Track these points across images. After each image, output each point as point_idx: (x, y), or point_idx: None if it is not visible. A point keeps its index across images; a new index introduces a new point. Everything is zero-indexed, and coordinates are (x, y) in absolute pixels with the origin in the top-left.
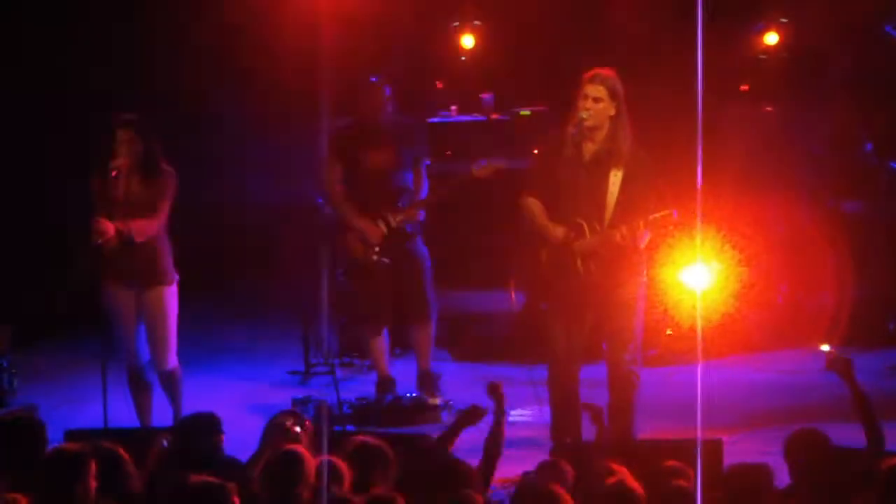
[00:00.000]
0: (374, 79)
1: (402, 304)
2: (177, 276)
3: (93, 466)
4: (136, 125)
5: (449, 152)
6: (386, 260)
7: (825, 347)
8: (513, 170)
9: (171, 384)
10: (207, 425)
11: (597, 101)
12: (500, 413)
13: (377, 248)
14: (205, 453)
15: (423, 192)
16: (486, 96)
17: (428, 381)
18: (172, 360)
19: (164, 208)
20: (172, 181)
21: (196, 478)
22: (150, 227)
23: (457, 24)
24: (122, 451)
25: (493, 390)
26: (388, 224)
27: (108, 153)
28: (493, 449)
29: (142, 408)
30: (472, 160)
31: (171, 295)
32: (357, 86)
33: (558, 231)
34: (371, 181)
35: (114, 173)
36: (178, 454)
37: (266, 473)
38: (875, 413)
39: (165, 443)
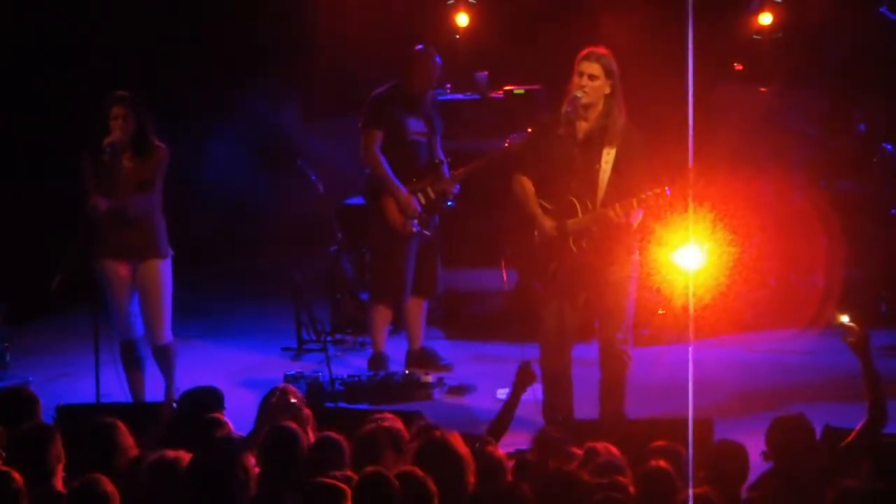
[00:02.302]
0: (421, 47)
1: (414, 279)
2: (171, 251)
3: (58, 440)
4: (129, 102)
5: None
6: (427, 232)
7: (844, 318)
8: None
9: (164, 359)
10: (209, 400)
11: (592, 79)
12: (517, 394)
13: (417, 220)
14: (206, 428)
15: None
16: (480, 75)
17: (426, 356)
18: (167, 335)
19: (157, 184)
20: (165, 157)
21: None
22: (143, 203)
23: (451, 2)
24: (119, 424)
25: (524, 371)
26: (427, 197)
27: (102, 130)
28: (500, 427)
29: (134, 383)
30: (466, 138)
31: (165, 269)
32: (407, 54)
33: (546, 223)
34: (409, 150)
35: (107, 150)
36: (180, 428)
37: (263, 451)
38: (884, 391)
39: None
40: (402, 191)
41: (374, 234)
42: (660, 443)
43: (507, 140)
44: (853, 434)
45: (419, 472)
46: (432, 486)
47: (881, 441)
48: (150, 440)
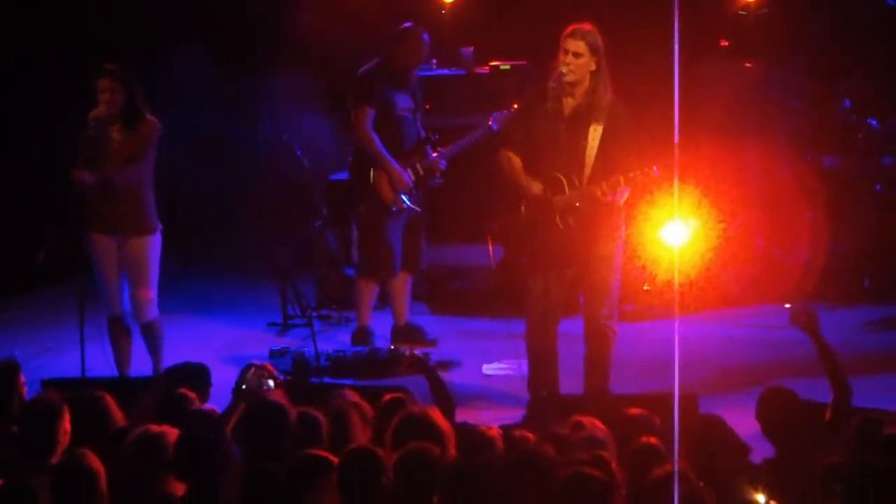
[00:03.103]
0: (409, 24)
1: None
2: (160, 226)
3: (66, 413)
4: (117, 74)
5: (428, 105)
6: (416, 208)
7: (787, 305)
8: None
9: (151, 335)
10: (195, 376)
11: (577, 56)
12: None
13: (407, 196)
14: (182, 404)
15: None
16: (465, 50)
17: (411, 331)
18: (153, 312)
19: (146, 157)
20: (154, 131)
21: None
22: (130, 175)
23: None
24: (107, 398)
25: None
26: (416, 173)
27: (91, 104)
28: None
29: (121, 357)
30: (451, 114)
31: (153, 245)
32: (394, 31)
33: (535, 186)
34: (398, 126)
35: (91, 124)
36: (164, 402)
37: (245, 425)
38: (842, 366)
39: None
40: (395, 166)
41: (364, 209)
42: (635, 411)
43: (492, 118)
44: (828, 411)
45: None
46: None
47: (855, 413)
48: (139, 415)
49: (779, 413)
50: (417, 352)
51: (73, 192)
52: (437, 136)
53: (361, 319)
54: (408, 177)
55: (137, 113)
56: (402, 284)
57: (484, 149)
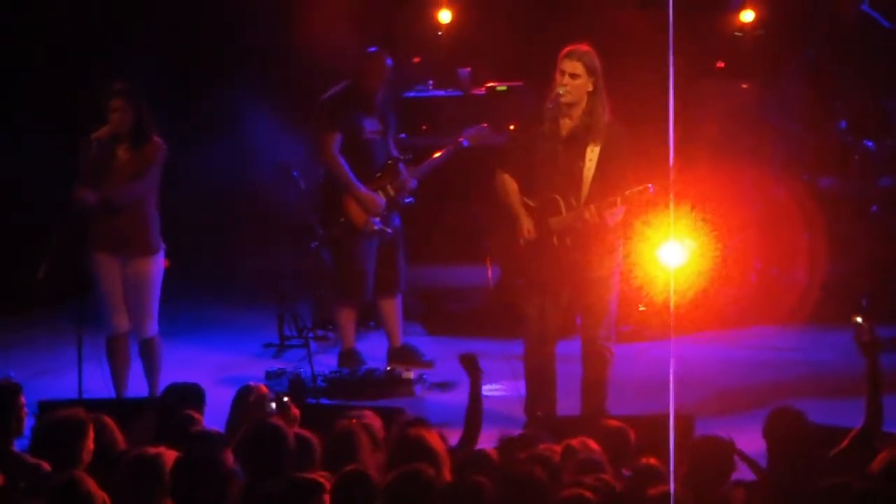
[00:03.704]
0: (374, 49)
1: (377, 276)
2: (163, 246)
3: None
4: (127, 94)
5: (425, 126)
6: (388, 230)
7: (858, 319)
8: (490, 144)
9: (150, 353)
10: (191, 396)
11: (574, 77)
12: (474, 384)
13: (379, 218)
14: (185, 424)
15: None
16: (462, 71)
17: (408, 353)
18: (153, 328)
19: (148, 176)
20: (160, 152)
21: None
22: (131, 192)
23: None
24: (106, 420)
25: (465, 361)
26: (387, 194)
27: (100, 122)
28: (473, 421)
29: (118, 378)
30: (448, 135)
31: (156, 264)
32: (359, 55)
33: (525, 224)
34: (367, 149)
35: (94, 144)
36: (160, 424)
37: (247, 446)
38: (882, 396)
39: None
40: (364, 190)
41: (336, 234)
42: (612, 422)
43: (463, 134)
44: (848, 439)
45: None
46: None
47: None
48: (136, 436)
49: (786, 433)
50: (414, 372)
51: (74, 210)
52: (409, 156)
53: (346, 342)
54: (379, 199)
55: (145, 133)
56: (391, 306)
57: (481, 169)
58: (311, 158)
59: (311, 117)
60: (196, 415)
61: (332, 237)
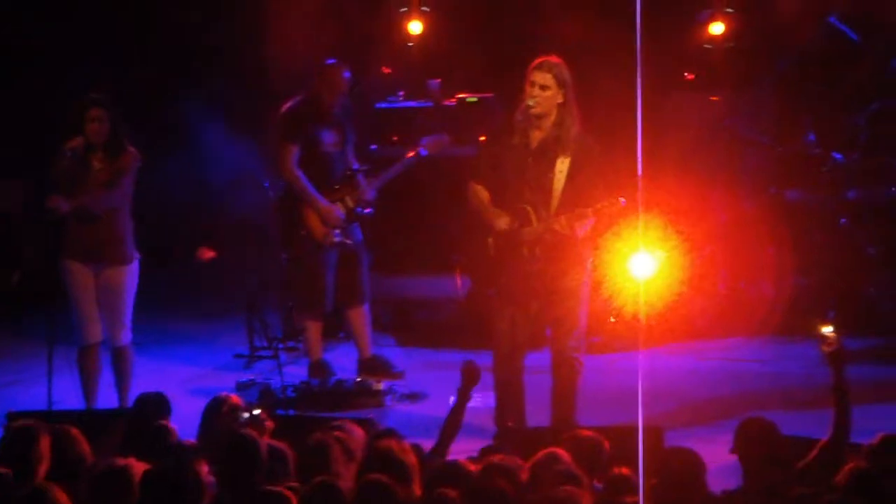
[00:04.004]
0: (332, 61)
1: (340, 287)
2: (137, 255)
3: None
4: (105, 104)
5: (396, 137)
6: (348, 241)
7: (826, 329)
8: (459, 156)
9: (122, 362)
10: (156, 405)
11: (544, 89)
12: (465, 394)
13: (338, 230)
14: (154, 435)
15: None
16: (433, 82)
17: (378, 363)
18: (126, 337)
19: (122, 184)
20: (134, 162)
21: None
22: (105, 201)
23: (404, 9)
24: (74, 432)
25: (467, 370)
26: (346, 206)
27: (76, 131)
28: (450, 429)
29: (89, 388)
30: (418, 146)
31: (130, 274)
32: (316, 67)
33: (502, 220)
34: (325, 161)
35: (67, 154)
36: (130, 435)
37: (220, 457)
38: (849, 406)
39: None
40: (323, 202)
41: (295, 246)
42: (586, 432)
43: (421, 143)
44: (816, 449)
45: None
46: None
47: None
48: (104, 448)
49: (756, 443)
50: (384, 383)
51: (48, 219)
52: (367, 166)
53: (314, 354)
54: (338, 211)
55: (120, 143)
56: (358, 316)
57: (451, 180)
58: (269, 170)
59: (270, 131)
60: (169, 426)
61: (292, 250)
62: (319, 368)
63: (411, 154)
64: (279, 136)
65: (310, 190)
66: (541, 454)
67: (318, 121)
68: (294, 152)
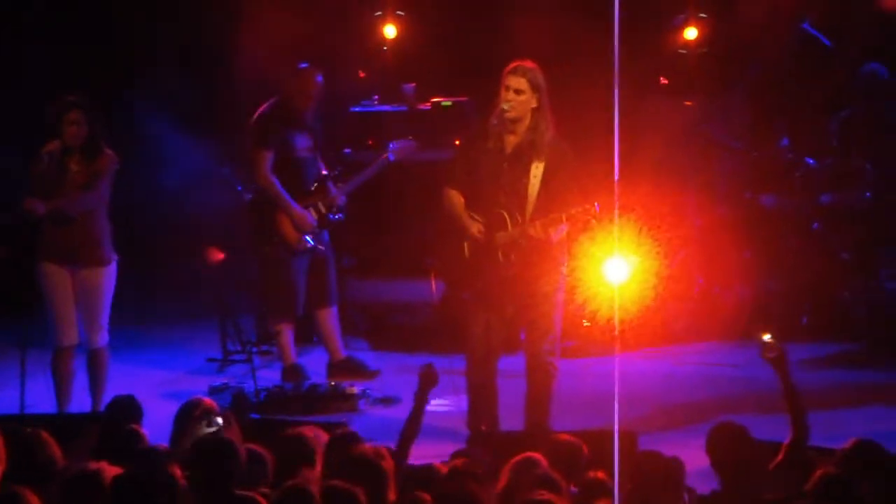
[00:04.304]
0: (304, 65)
1: (311, 291)
2: (115, 257)
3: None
4: (82, 106)
5: (371, 141)
6: (321, 247)
7: (766, 336)
8: (434, 160)
9: (97, 365)
10: (128, 410)
11: (518, 93)
12: (422, 397)
13: (311, 236)
14: (125, 439)
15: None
16: (407, 86)
17: (352, 365)
18: (103, 339)
19: (99, 186)
20: (112, 164)
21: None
22: (81, 203)
23: (379, 13)
24: (45, 436)
25: (426, 373)
26: (318, 212)
27: (53, 134)
28: (409, 432)
29: (62, 392)
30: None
31: (108, 276)
32: (288, 71)
33: (475, 227)
34: (298, 167)
35: (44, 158)
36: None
37: (196, 461)
38: (804, 407)
39: None
40: (296, 208)
41: (268, 251)
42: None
43: (389, 148)
44: (782, 452)
45: (346, 485)
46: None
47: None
48: (76, 451)
49: (728, 448)
50: (357, 387)
51: (24, 221)
52: (336, 171)
53: (287, 359)
54: (311, 217)
55: (98, 146)
56: (327, 318)
57: (425, 184)
58: (242, 175)
59: (244, 136)
60: (140, 430)
61: (263, 255)
62: (293, 372)
63: (381, 158)
64: (253, 142)
65: (284, 196)
66: (518, 458)
67: (292, 125)
68: (269, 158)
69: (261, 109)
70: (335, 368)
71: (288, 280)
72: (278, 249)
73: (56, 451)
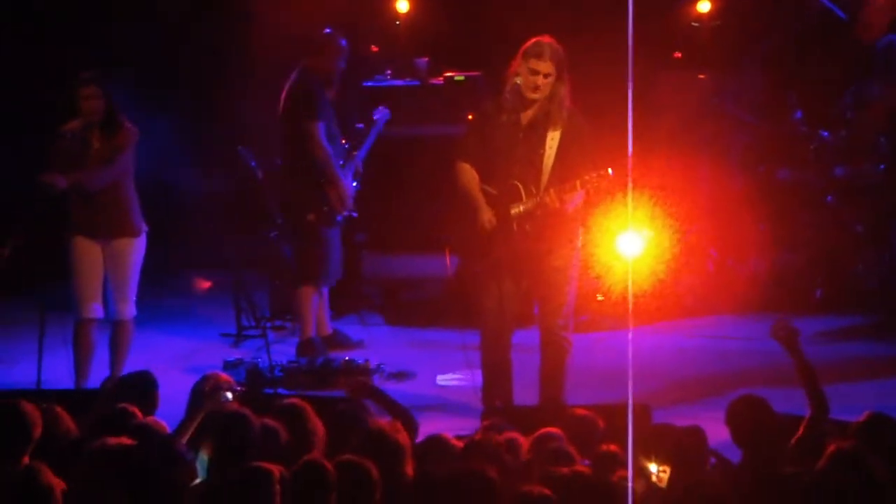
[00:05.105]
0: (328, 30)
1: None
2: (145, 228)
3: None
4: (98, 81)
5: None
6: (356, 214)
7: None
8: (446, 134)
9: (121, 337)
10: (144, 385)
11: (547, 77)
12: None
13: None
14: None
15: None
16: (420, 61)
17: (338, 339)
18: (131, 310)
19: (120, 160)
20: (133, 137)
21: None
22: (102, 177)
23: None
24: (59, 410)
25: (354, 388)
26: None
27: (71, 111)
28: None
29: (81, 367)
30: (405, 125)
31: (137, 247)
32: (316, 39)
33: (484, 215)
34: (333, 137)
35: (67, 136)
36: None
37: (209, 435)
38: (818, 381)
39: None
40: (343, 178)
41: (313, 220)
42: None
43: (376, 114)
44: (802, 427)
45: (361, 460)
46: (375, 474)
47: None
48: (83, 426)
49: (749, 420)
50: (372, 362)
51: (42, 195)
52: (347, 143)
53: (307, 331)
54: (351, 187)
55: (116, 120)
56: (322, 295)
57: (438, 158)
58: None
59: (297, 108)
60: (133, 408)
61: (307, 223)
62: (311, 347)
63: (375, 126)
64: (306, 115)
65: (336, 167)
66: (538, 433)
67: (327, 97)
68: (322, 129)
69: (298, 81)
70: (324, 343)
71: (328, 249)
72: (326, 218)
73: (70, 424)
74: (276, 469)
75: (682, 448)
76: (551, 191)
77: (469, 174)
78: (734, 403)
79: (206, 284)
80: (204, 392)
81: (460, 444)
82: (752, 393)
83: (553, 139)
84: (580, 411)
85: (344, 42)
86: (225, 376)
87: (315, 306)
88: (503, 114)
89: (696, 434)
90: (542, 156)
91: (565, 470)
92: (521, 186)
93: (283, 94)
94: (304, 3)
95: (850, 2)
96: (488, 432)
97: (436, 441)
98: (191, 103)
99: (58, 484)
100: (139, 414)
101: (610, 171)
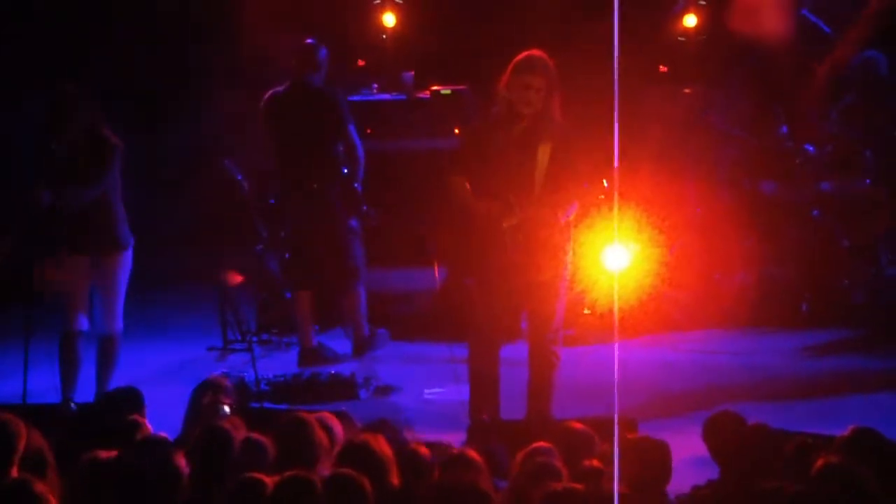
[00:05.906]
0: (311, 41)
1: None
2: (132, 240)
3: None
4: (81, 94)
5: (369, 130)
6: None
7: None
8: (433, 148)
9: (108, 351)
10: (129, 400)
11: (538, 91)
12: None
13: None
14: (126, 428)
15: None
16: (406, 74)
17: (322, 353)
18: (118, 325)
19: (103, 177)
20: (117, 150)
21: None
22: (84, 194)
23: (378, 1)
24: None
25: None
26: None
27: (57, 123)
28: None
29: (67, 379)
30: (391, 138)
31: (124, 261)
32: (296, 49)
33: (494, 207)
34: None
35: (54, 148)
36: (98, 428)
37: (196, 450)
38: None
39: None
40: None
41: (351, 223)
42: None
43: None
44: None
45: (353, 473)
46: (366, 486)
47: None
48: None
49: (726, 437)
50: (358, 376)
51: (30, 212)
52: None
53: (363, 326)
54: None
55: (100, 133)
56: (307, 304)
57: (426, 172)
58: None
59: (338, 111)
60: (141, 419)
61: (349, 226)
62: (312, 356)
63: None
64: (346, 118)
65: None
66: (529, 448)
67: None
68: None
69: (324, 91)
70: (307, 355)
71: (362, 251)
72: (369, 220)
73: (39, 440)
74: (265, 481)
75: (646, 463)
76: (545, 203)
77: (462, 188)
78: (709, 420)
79: (239, 278)
80: (202, 405)
81: (447, 454)
82: (727, 410)
83: (544, 153)
84: (576, 426)
85: (323, 52)
86: (225, 380)
87: (310, 314)
88: (495, 128)
89: (661, 449)
90: (533, 169)
91: (558, 486)
92: (513, 199)
93: (298, 106)
94: (291, 18)
95: (835, 16)
96: (472, 444)
97: (415, 452)
98: (179, 115)
99: (48, 495)
100: (148, 426)
101: (605, 181)
